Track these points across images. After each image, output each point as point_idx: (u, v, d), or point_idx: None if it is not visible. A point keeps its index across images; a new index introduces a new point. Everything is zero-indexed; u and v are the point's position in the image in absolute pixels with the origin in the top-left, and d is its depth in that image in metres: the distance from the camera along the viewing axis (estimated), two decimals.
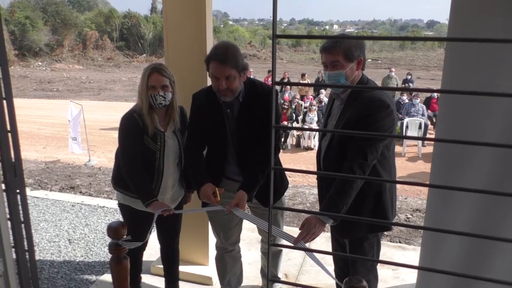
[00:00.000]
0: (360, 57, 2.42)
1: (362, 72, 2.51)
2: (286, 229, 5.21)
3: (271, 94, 2.92)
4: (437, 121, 1.71)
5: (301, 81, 17.38)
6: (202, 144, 2.96)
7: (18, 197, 1.74)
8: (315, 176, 8.17)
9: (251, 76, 3.08)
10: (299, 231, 2.35)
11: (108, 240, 4.90)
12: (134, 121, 2.84)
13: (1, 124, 1.59)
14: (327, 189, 2.53)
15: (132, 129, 2.85)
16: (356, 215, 2.42)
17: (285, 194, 3.19)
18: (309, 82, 18.08)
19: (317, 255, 2.04)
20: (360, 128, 2.33)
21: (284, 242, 2.29)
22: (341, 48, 2.38)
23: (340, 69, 2.40)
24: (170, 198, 3.10)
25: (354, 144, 2.38)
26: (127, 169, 2.86)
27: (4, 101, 1.62)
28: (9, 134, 1.65)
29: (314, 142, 12.02)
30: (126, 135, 2.85)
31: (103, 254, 4.75)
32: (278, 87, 15.33)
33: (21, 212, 1.74)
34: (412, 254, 4.60)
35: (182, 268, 3.82)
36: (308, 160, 10.86)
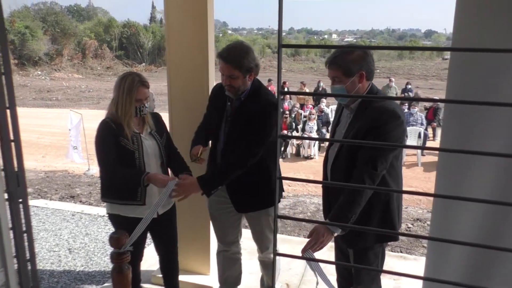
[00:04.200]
0: (361, 70, 2.45)
1: (370, 83, 2.53)
2: (286, 238, 5.19)
3: (269, 107, 2.96)
4: (442, 130, 1.72)
5: (302, 88, 17.64)
6: (209, 130, 3.19)
7: (21, 206, 1.73)
8: (316, 185, 8.30)
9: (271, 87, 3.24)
10: (307, 240, 2.34)
11: (109, 249, 4.94)
12: (110, 129, 2.91)
13: (5, 133, 1.59)
14: (334, 199, 2.52)
15: (108, 136, 2.91)
16: (363, 225, 2.42)
17: (286, 203, 3.39)
18: (308, 91, 18.17)
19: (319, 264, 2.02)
20: (370, 138, 2.34)
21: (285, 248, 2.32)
22: (340, 64, 2.45)
23: (341, 84, 2.47)
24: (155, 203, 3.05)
25: (364, 154, 2.39)
26: (109, 169, 2.90)
27: (8, 111, 1.62)
28: (12, 144, 1.65)
29: (314, 151, 12.09)
30: (103, 141, 2.91)
31: (104, 263, 4.73)
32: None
33: (23, 221, 1.73)
34: (413, 264, 4.58)
35: (182, 278, 3.80)
36: (308, 169, 10.85)
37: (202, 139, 3.15)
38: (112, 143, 2.89)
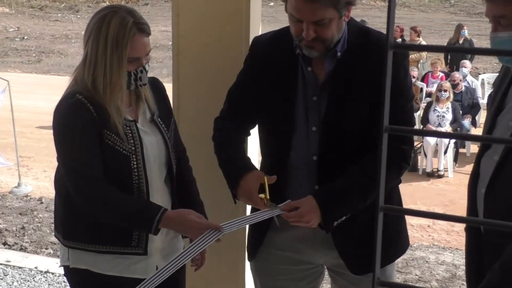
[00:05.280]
0: None
1: None
2: None
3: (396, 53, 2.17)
4: None
5: (414, 39, 11.67)
6: (246, 125, 2.39)
7: None
8: (450, 228, 6.24)
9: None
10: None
11: None
12: (86, 114, 2.14)
13: None
14: (491, 252, 1.98)
15: (85, 127, 2.15)
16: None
17: (397, 260, 2.54)
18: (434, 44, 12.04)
19: None
20: None
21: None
22: None
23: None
24: (160, 252, 2.35)
25: None
26: (89, 187, 2.18)
27: None
28: None
29: (446, 163, 7.69)
30: (75, 136, 2.18)
31: None
32: None
33: None
34: None
35: None
36: (433, 197, 7.18)
37: (244, 159, 2.30)
38: (93, 139, 2.17)
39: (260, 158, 2.57)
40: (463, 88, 8.42)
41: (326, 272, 2.45)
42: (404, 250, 2.44)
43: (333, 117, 2.17)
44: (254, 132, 2.48)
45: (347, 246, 2.24)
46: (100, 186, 2.21)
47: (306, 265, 2.37)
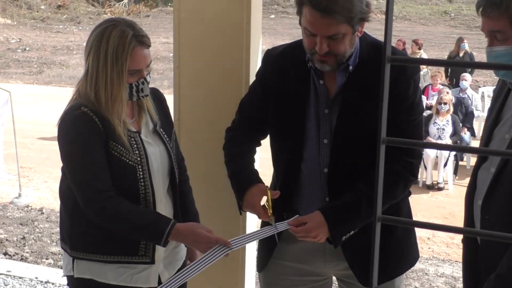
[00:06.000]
0: None
1: None
2: None
3: (409, 73, 2.12)
4: None
5: (415, 52, 11.77)
6: (256, 137, 2.38)
7: None
8: (450, 240, 6.26)
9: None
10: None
11: None
12: (93, 125, 2.15)
13: None
14: (488, 264, 1.99)
15: (92, 138, 2.15)
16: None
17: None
18: (433, 58, 12.61)
19: None
20: None
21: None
22: (507, 7, 1.84)
23: (508, 43, 1.91)
24: (163, 260, 2.35)
25: None
26: (99, 197, 2.17)
27: None
28: None
29: (446, 175, 7.81)
30: (84, 147, 2.18)
31: None
32: None
33: None
34: None
35: None
36: (433, 209, 7.19)
37: (251, 170, 2.30)
38: (101, 151, 2.17)
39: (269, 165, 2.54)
40: (454, 100, 8.45)
41: (335, 283, 2.45)
42: (414, 262, 2.43)
43: (344, 130, 2.16)
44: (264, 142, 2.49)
45: (356, 257, 2.22)
46: (111, 198, 2.20)
47: (316, 276, 2.36)
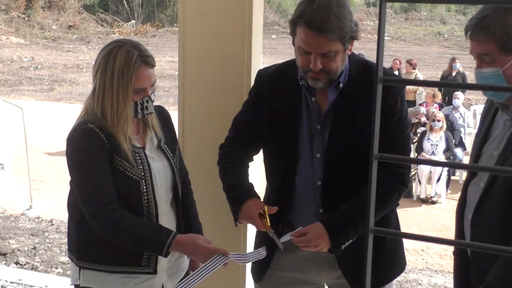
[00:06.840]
0: None
1: None
2: None
3: (396, 92, 2.16)
4: None
5: (410, 72, 11.90)
6: (250, 152, 2.39)
7: None
8: (442, 250, 6.23)
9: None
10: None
11: None
12: (99, 141, 2.15)
13: None
14: (479, 274, 1.95)
15: (98, 153, 2.15)
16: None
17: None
18: (427, 79, 11.99)
19: None
20: None
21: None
22: (494, 30, 1.81)
23: (495, 66, 1.87)
24: (166, 271, 2.35)
25: None
26: (105, 210, 2.16)
27: None
28: None
29: (438, 190, 7.84)
30: (90, 162, 2.18)
31: None
32: None
33: None
34: None
35: None
36: (427, 222, 7.27)
37: (247, 184, 2.30)
38: (106, 165, 2.17)
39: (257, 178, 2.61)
40: (458, 119, 8.76)
41: None
42: (402, 270, 2.46)
43: (336, 145, 2.18)
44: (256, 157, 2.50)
45: (350, 266, 2.21)
46: (115, 212, 2.19)
47: (310, 285, 2.36)
